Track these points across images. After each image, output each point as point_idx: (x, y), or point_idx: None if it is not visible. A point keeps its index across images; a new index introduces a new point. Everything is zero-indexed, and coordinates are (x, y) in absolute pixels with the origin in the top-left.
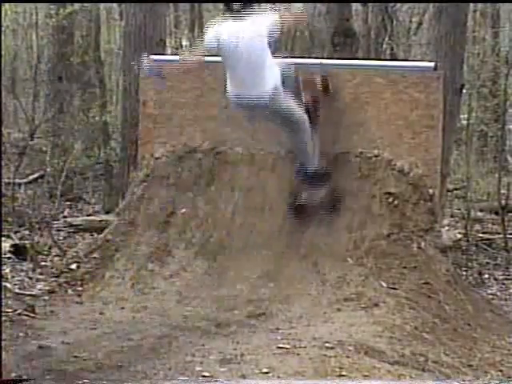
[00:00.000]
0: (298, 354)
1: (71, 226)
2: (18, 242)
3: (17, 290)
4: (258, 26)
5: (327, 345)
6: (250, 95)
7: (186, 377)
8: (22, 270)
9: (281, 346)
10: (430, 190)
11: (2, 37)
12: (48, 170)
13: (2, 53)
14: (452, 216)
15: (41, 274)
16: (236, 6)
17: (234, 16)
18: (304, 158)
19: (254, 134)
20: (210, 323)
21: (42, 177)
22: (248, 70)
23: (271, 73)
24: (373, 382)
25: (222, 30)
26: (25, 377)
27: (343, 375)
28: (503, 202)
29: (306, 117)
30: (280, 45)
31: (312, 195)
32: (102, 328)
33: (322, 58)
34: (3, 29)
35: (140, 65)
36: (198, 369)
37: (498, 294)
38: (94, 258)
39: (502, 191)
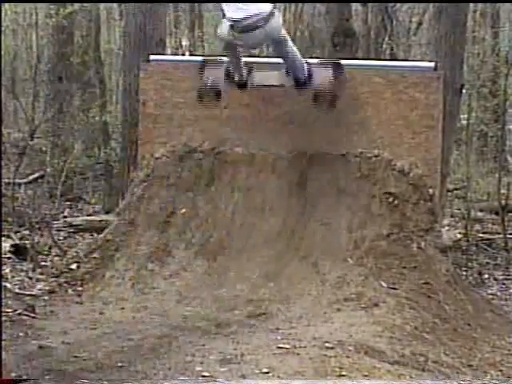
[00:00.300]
0: (298, 354)
1: (71, 225)
2: (18, 241)
3: (17, 290)
4: None
5: (327, 345)
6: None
7: (186, 377)
8: (22, 270)
9: (281, 345)
10: (430, 190)
11: (2, 37)
12: (48, 169)
13: (2, 53)
14: (452, 216)
15: (41, 273)
16: None
17: None
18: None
19: (254, 134)
20: (210, 323)
21: (42, 177)
22: None
23: None
24: (373, 382)
25: None
26: (25, 377)
27: (343, 375)
28: (503, 201)
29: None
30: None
31: None
32: (102, 328)
33: (322, 58)
34: (3, 29)
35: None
36: (198, 369)
37: (498, 294)
38: (94, 257)
39: (502, 191)
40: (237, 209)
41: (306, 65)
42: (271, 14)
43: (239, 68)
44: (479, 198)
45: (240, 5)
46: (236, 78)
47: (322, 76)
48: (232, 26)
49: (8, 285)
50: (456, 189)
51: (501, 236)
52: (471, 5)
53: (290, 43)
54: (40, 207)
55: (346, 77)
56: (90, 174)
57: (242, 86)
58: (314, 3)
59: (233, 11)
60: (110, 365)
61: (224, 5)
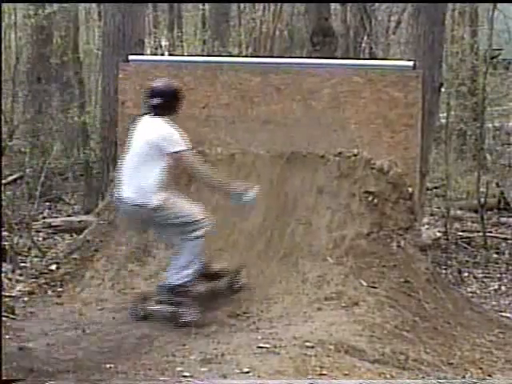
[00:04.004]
0: (279, 354)
1: (51, 226)
2: None
3: None
4: (159, 133)
5: (307, 344)
6: (134, 201)
7: (167, 377)
8: (1, 272)
9: (261, 345)
10: (410, 189)
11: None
12: (27, 170)
13: None
14: (431, 214)
15: (20, 275)
16: (155, 101)
17: (152, 112)
18: (173, 273)
19: (234, 134)
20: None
21: (21, 177)
22: (134, 172)
23: (152, 184)
24: (353, 381)
25: (138, 125)
26: (4, 377)
27: (323, 374)
28: (482, 200)
29: (201, 218)
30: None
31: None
32: (82, 329)
33: (302, 58)
34: None
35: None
36: (178, 369)
37: (478, 292)
38: (74, 258)
39: (481, 189)
40: (217, 208)
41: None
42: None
43: None
44: (458, 197)
45: None
46: None
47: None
48: None
49: None
50: (435, 187)
51: (480, 234)
52: (450, 4)
53: None
54: (19, 208)
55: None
56: (70, 174)
57: None
58: (293, 3)
59: None
60: (91, 365)
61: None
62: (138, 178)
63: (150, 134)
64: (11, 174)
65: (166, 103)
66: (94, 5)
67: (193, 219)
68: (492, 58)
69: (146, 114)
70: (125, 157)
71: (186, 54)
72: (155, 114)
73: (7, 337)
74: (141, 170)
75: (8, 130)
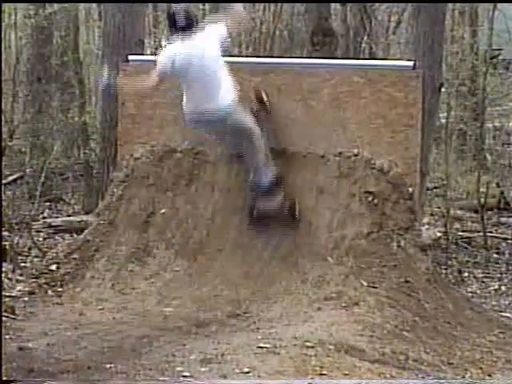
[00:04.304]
0: (279, 354)
1: (51, 226)
2: None
3: None
4: (208, 42)
5: (308, 344)
6: (206, 111)
7: (167, 377)
8: (1, 271)
9: (261, 345)
10: (410, 189)
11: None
12: (27, 170)
13: None
14: (432, 214)
15: (20, 275)
16: (180, 23)
17: (182, 35)
18: (257, 173)
19: None
20: (191, 323)
21: (21, 177)
22: (204, 86)
23: (227, 87)
24: (353, 381)
25: (174, 52)
26: (4, 377)
27: (324, 374)
28: (482, 200)
29: (258, 129)
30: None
31: (268, 205)
32: (82, 329)
33: (301, 58)
34: None
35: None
36: (178, 369)
37: (478, 291)
38: (74, 258)
39: (482, 189)
40: (217, 208)
41: None
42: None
43: None
44: (458, 197)
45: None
46: None
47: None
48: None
49: None
50: (435, 187)
51: (480, 234)
52: (450, 4)
53: None
54: (19, 208)
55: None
56: (70, 174)
57: None
58: (294, 3)
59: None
60: (91, 365)
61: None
62: (213, 87)
63: (202, 49)
64: (11, 174)
65: (191, 21)
66: (94, 5)
67: (255, 128)
68: (492, 57)
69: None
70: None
71: None
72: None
73: (7, 337)
74: (212, 82)
75: (8, 130)
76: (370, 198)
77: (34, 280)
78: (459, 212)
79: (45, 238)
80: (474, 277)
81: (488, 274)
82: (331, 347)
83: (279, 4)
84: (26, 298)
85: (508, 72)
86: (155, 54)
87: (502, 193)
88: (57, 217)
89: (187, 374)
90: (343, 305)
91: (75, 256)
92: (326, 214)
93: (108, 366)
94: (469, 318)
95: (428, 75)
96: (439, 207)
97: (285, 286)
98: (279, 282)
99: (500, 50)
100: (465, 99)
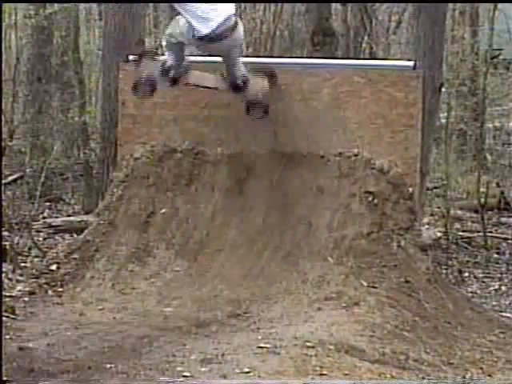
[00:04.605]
0: (279, 354)
1: (51, 226)
2: None
3: None
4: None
5: (308, 344)
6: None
7: (167, 377)
8: (1, 272)
9: (262, 345)
10: (410, 189)
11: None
12: (27, 170)
13: None
14: (432, 214)
15: (21, 275)
16: None
17: None
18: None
19: (234, 133)
20: (191, 323)
21: (21, 177)
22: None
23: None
24: (353, 381)
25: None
26: (5, 378)
27: (324, 374)
28: (482, 200)
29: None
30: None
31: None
32: (82, 329)
33: (302, 58)
34: None
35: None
36: (178, 369)
37: (478, 292)
38: (74, 258)
39: (482, 189)
40: (217, 208)
41: (244, 71)
42: (236, 24)
43: (178, 66)
44: (459, 197)
45: (206, 14)
46: (171, 75)
47: (257, 85)
48: (200, 38)
49: None
50: (435, 187)
51: (480, 234)
52: (450, 4)
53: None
54: (19, 208)
55: (280, 85)
56: (70, 174)
57: (174, 82)
58: (294, 3)
59: (201, 24)
60: (91, 365)
61: (189, 16)
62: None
63: None
64: (11, 174)
65: None
66: (94, 5)
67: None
68: (492, 57)
69: None
70: None
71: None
72: None
73: (7, 337)
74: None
75: (8, 130)
76: (370, 198)
77: (34, 280)
78: (459, 212)
79: (45, 238)
80: (475, 277)
81: (488, 274)
82: (331, 347)
83: (279, 4)
84: (26, 298)
85: (508, 72)
86: (155, 54)
87: (502, 193)
88: (57, 217)
89: (187, 374)
90: (343, 305)
91: (75, 256)
92: (325, 214)
93: (108, 366)
94: (469, 318)
95: (428, 75)
96: (439, 207)
97: (285, 286)
98: (279, 282)
99: (500, 50)
100: (465, 99)
